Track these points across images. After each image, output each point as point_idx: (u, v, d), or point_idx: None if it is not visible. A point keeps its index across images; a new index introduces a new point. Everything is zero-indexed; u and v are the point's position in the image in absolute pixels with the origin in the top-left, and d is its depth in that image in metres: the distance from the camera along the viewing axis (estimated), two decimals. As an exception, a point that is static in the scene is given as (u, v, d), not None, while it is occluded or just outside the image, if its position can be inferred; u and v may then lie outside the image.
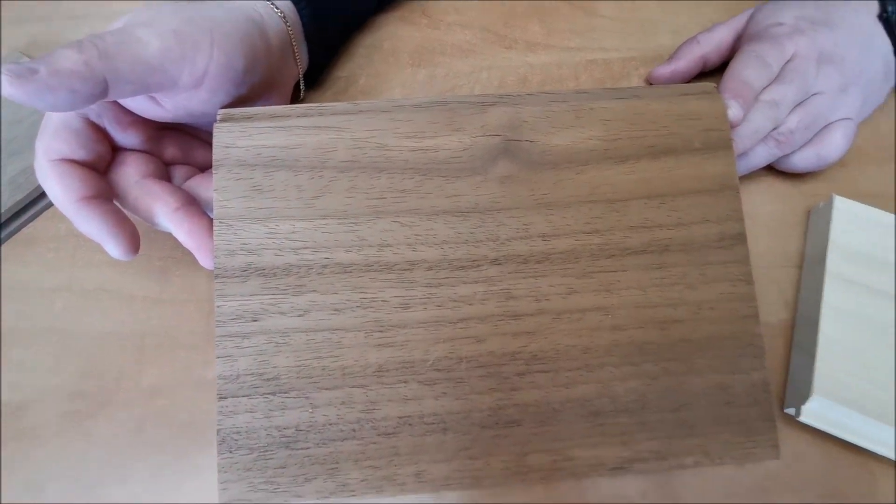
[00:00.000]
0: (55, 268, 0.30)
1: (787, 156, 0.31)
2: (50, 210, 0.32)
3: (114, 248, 0.24)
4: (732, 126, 0.27)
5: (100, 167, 0.25)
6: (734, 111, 0.27)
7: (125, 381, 0.28)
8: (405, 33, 0.39)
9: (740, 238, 0.25)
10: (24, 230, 0.32)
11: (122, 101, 0.25)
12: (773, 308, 0.29)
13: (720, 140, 0.26)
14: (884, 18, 0.32)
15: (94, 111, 0.25)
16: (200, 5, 0.26)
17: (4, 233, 0.31)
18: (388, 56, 0.38)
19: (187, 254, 0.26)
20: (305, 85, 0.34)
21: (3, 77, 0.20)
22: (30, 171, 0.32)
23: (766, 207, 0.32)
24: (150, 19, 0.24)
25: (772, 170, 0.33)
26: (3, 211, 0.31)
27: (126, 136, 0.26)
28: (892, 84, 0.33)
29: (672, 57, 0.35)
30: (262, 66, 0.28)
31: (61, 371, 0.28)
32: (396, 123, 0.26)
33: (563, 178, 0.26)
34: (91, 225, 0.23)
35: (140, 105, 0.25)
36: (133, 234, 0.24)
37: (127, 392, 0.28)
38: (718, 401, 0.24)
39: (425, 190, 0.25)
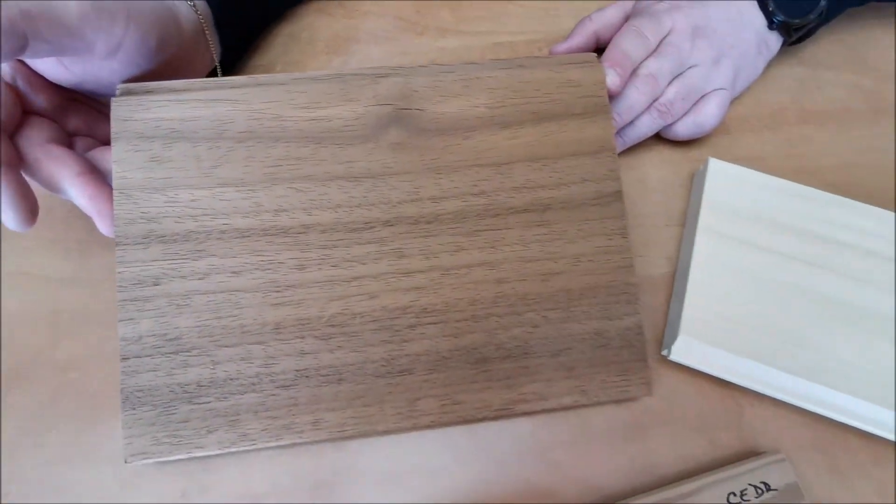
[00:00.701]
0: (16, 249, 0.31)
1: (670, 125, 0.34)
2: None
3: (13, 217, 0.24)
4: (611, 93, 0.29)
5: (9, 129, 0.25)
6: (612, 78, 0.29)
7: (40, 357, 0.29)
8: (322, 23, 0.41)
9: (617, 196, 0.28)
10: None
11: (33, 64, 0.26)
12: (656, 263, 0.31)
13: (598, 105, 0.28)
14: (758, -4, 0.35)
15: (9, 73, 0.25)
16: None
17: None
18: (304, 45, 0.39)
19: (103, 237, 0.27)
20: (223, 72, 0.35)
21: None
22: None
23: (654, 173, 0.35)
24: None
25: (660, 139, 0.35)
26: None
27: (36, 99, 0.26)
28: (766, 57, 0.36)
29: (569, 35, 0.37)
30: (173, 48, 0.29)
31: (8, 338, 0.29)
32: (292, 95, 0.27)
33: (451, 144, 0.27)
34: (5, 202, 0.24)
35: (50, 68, 0.26)
36: (33, 207, 0.25)
37: (42, 367, 0.29)
38: (595, 345, 0.26)
39: (320, 157, 0.27)
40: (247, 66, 0.38)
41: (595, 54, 0.29)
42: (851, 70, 0.40)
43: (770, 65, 0.39)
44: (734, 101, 0.38)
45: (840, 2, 0.37)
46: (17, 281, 0.30)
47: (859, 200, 0.32)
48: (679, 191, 0.34)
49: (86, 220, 0.27)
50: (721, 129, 0.37)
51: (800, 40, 0.39)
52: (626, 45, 0.31)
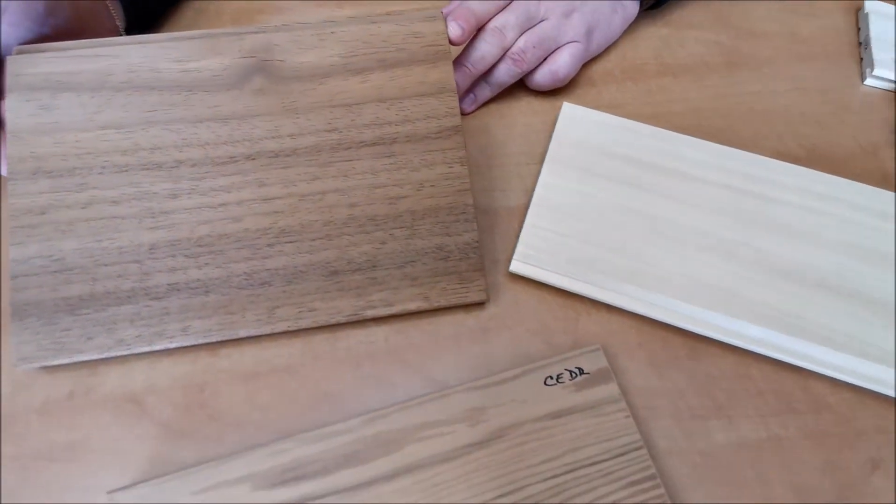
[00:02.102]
0: None
1: (530, 75, 0.37)
2: None
3: None
4: (453, 42, 0.33)
5: None
6: (453, 29, 0.33)
7: None
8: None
9: (456, 129, 0.31)
10: None
11: None
12: (517, 195, 0.35)
13: (440, 53, 0.32)
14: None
15: None
16: None
17: None
18: (212, 17, 0.43)
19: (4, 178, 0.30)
20: None
21: None
22: None
23: (522, 119, 0.38)
24: None
25: (530, 91, 0.39)
26: None
27: None
28: (624, 16, 0.40)
29: None
30: (67, 13, 0.32)
31: None
32: (167, 50, 0.31)
33: (307, 89, 0.31)
34: None
35: None
36: None
37: None
38: (437, 258, 0.30)
39: (191, 103, 0.30)
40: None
41: (440, 10, 0.33)
42: (713, 29, 0.44)
43: (639, 26, 0.43)
44: (602, 57, 0.42)
45: None
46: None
47: (700, 138, 0.35)
48: (542, 135, 0.37)
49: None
50: (587, 81, 0.41)
51: (656, 5, 0.43)
52: (471, 2, 0.34)
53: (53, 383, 0.29)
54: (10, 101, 0.29)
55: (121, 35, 0.37)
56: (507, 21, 0.35)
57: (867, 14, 0.44)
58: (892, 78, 0.41)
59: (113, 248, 0.28)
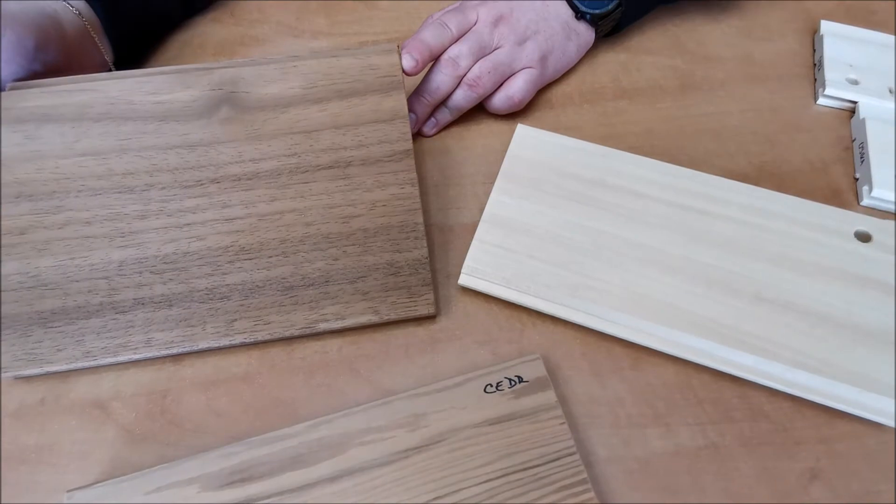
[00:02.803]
0: None
1: (488, 100, 0.39)
2: None
3: None
4: (407, 73, 0.35)
5: None
6: (406, 61, 0.35)
7: None
8: (213, 31, 0.47)
9: (407, 153, 0.33)
10: None
11: None
12: (470, 213, 0.37)
13: (393, 83, 0.34)
14: (566, -10, 0.41)
15: None
16: (8, 3, 0.34)
17: None
18: (196, 49, 0.46)
19: None
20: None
21: None
22: None
23: (481, 141, 0.40)
24: None
25: (490, 114, 0.41)
26: None
27: None
28: (578, 43, 0.42)
29: (420, 26, 0.43)
30: (56, 50, 0.35)
31: None
32: (142, 84, 0.33)
33: (270, 118, 0.33)
34: None
35: None
36: None
37: None
38: (387, 273, 0.32)
39: (162, 132, 0.33)
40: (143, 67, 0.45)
41: (395, 44, 0.36)
42: (669, 54, 0.46)
43: (598, 51, 0.45)
44: (561, 80, 0.44)
45: (640, 2, 0.43)
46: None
47: (651, 157, 0.37)
48: (499, 156, 0.39)
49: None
50: (547, 104, 0.43)
51: (614, 31, 0.45)
52: (425, 35, 0.37)
53: (28, 390, 0.31)
54: None
55: (111, 69, 0.40)
56: (460, 51, 0.37)
57: (822, 36, 0.45)
58: (844, 97, 0.42)
59: (85, 265, 0.31)
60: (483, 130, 0.41)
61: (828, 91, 0.42)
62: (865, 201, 0.38)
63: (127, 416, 0.30)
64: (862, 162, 0.39)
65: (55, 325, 0.30)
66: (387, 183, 0.33)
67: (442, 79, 0.37)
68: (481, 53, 0.38)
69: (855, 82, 0.42)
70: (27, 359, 0.29)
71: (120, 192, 0.32)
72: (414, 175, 0.33)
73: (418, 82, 0.39)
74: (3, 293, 0.30)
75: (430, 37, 0.37)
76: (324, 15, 0.48)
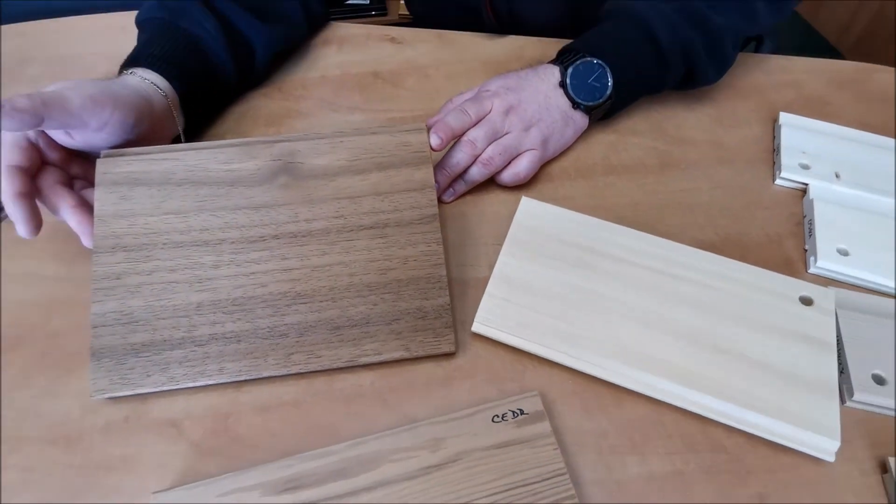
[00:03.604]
0: (28, 258, 0.44)
1: (498, 175, 0.47)
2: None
3: (24, 229, 0.37)
4: (433, 149, 0.43)
5: (32, 172, 0.38)
6: (434, 140, 0.43)
7: (36, 329, 0.41)
8: (264, 104, 0.55)
9: (434, 217, 0.41)
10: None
11: (49, 132, 0.39)
12: (482, 269, 0.44)
13: (423, 158, 0.42)
14: (562, 84, 0.49)
15: (32, 135, 0.39)
16: (110, 81, 0.42)
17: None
18: (249, 120, 0.54)
19: (85, 248, 0.39)
20: (185, 138, 0.49)
21: None
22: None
23: (490, 208, 0.48)
24: (75, 86, 0.39)
25: (499, 186, 0.49)
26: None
27: (50, 154, 0.40)
28: (575, 128, 0.50)
29: (437, 112, 0.51)
30: (147, 123, 0.43)
31: (13, 319, 0.41)
32: (215, 155, 0.41)
33: (321, 185, 0.41)
34: (18, 211, 0.37)
35: (59, 136, 0.39)
36: (39, 224, 0.38)
37: (37, 335, 0.40)
38: (416, 317, 0.38)
39: (232, 195, 0.40)
40: (206, 133, 0.53)
41: (424, 124, 0.43)
42: (651, 137, 0.54)
43: (591, 133, 0.53)
44: (559, 158, 0.52)
45: (628, 94, 0.51)
46: (25, 279, 0.43)
47: (635, 228, 0.44)
48: (506, 221, 0.46)
49: (75, 236, 0.40)
50: (547, 177, 0.51)
51: (605, 117, 0.53)
52: (449, 119, 0.44)
53: (114, 409, 0.37)
54: (98, 192, 0.39)
55: (180, 135, 0.48)
56: (477, 135, 0.45)
57: (780, 125, 0.54)
58: (797, 179, 0.50)
59: (169, 305, 0.37)
60: (493, 199, 0.49)
61: (783, 174, 0.50)
62: (812, 270, 0.45)
63: (196, 433, 0.36)
64: (810, 236, 0.46)
65: (145, 355, 0.36)
66: (417, 241, 0.40)
67: (461, 157, 0.45)
68: (494, 137, 0.46)
69: (806, 167, 0.50)
70: (122, 382, 0.36)
71: (198, 246, 0.39)
72: (439, 235, 0.40)
73: (440, 157, 0.47)
74: (101, 328, 0.37)
75: (454, 121, 0.44)
76: (358, 93, 0.57)
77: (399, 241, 0.40)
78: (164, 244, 0.39)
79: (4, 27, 0.63)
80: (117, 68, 0.47)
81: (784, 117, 0.54)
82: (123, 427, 0.37)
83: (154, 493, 0.33)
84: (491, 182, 0.48)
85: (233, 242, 0.39)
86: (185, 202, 0.40)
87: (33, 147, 0.39)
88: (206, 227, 0.39)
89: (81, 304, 0.42)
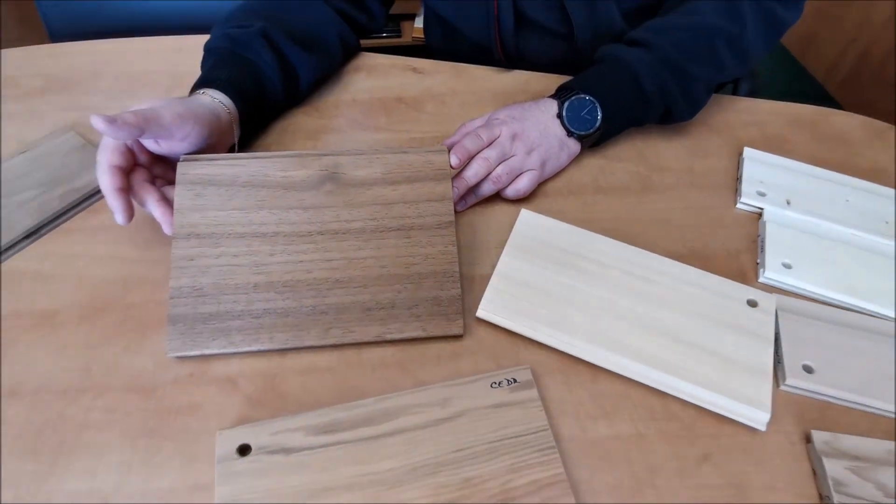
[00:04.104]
0: (82, 242, 0.52)
1: (503, 191, 0.56)
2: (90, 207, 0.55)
3: (121, 218, 0.46)
4: (452, 168, 0.52)
5: (127, 171, 0.47)
6: (452, 159, 0.52)
7: (116, 302, 0.49)
8: (303, 121, 0.65)
9: (451, 224, 0.49)
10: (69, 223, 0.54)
11: (142, 140, 0.48)
12: (486, 267, 0.52)
13: (443, 174, 0.51)
14: (559, 116, 0.58)
15: (129, 143, 0.48)
16: (190, 100, 0.51)
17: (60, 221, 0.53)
18: (290, 135, 0.63)
19: (162, 235, 0.48)
20: (238, 148, 0.58)
21: (99, 119, 0.42)
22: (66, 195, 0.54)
23: (495, 218, 0.56)
24: (166, 104, 0.48)
25: (503, 199, 0.58)
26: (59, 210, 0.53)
27: (140, 158, 0.49)
28: (569, 153, 0.59)
29: (453, 134, 0.60)
30: (216, 135, 0.52)
31: (79, 295, 0.49)
32: (273, 163, 0.50)
33: (360, 192, 0.50)
34: (117, 203, 0.46)
35: (149, 143, 0.49)
36: (132, 214, 0.47)
37: (117, 307, 0.49)
38: (433, 304, 0.47)
39: (286, 197, 0.49)
40: (256, 144, 0.62)
41: (445, 147, 0.52)
42: (635, 162, 0.63)
43: (583, 157, 0.63)
44: (554, 178, 0.61)
45: (614, 126, 0.60)
46: (106, 260, 0.51)
47: (616, 239, 0.53)
48: (508, 228, 0.55)
49: (154, 225, 0.49)
50: (543, 194, 0.60)
51: (596, 144, 0.62)
52: (466, 142, 0.54)
53: (179, 367, 0.45)
54: (178, 189, 0.48)
55: (234, 145, 0.57)
56: (490, 154, 0.54)
57: (744, 158, 0.63)
58: (754, 204, 0.59)
59: (232, 284, 0.46)
60: (498, 211, 0.58)
61: (743, 200, 0.59)
62: (761, 279, 0.54)
63: (248, 388, 0.45)
64: (761, 252, 0.55)
65: (211, 323, 0.45)
66: (436, 243, 0.49)
67: (478, 170, 0.54)
68: (502, 159, 0.55)
69: (763, 194, 0.59)
70: (192, 344, 0.44)
71: (256, 237, 0.48)
72: (454, 239, 0.49)
73: (456, 172, 0.56)
74: (177, 299, 0.45)
75: (470, 144, 0.54)
76: (384, 114, 0.66)
77: (421, 241, 0.49)
78: (230, 234, 0.47)
79: (78, 43, 0.72)
80: (174, 82, 0.56)
81: (748, 151, 0.64)
82: (189, 381, 0.45)
83: (220, 430, 0.41)
84: (496, 196, 0.57)
85: (285, 236, 0.48)
86: (247, 201, 0.48)
87: (129, 151, 0.48)
88: (264, 222, 0.48)
89: (151, 281, 0.50)
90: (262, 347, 0.45)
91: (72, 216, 0.54)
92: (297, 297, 0.46)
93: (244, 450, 0.40)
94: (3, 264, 0.51)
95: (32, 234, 0.53)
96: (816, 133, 0.68)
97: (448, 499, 0.39)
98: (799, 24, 0.67)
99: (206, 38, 0.61)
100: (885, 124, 0.70)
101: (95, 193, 0.56)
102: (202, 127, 0.49)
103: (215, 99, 0.53)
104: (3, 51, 0.71)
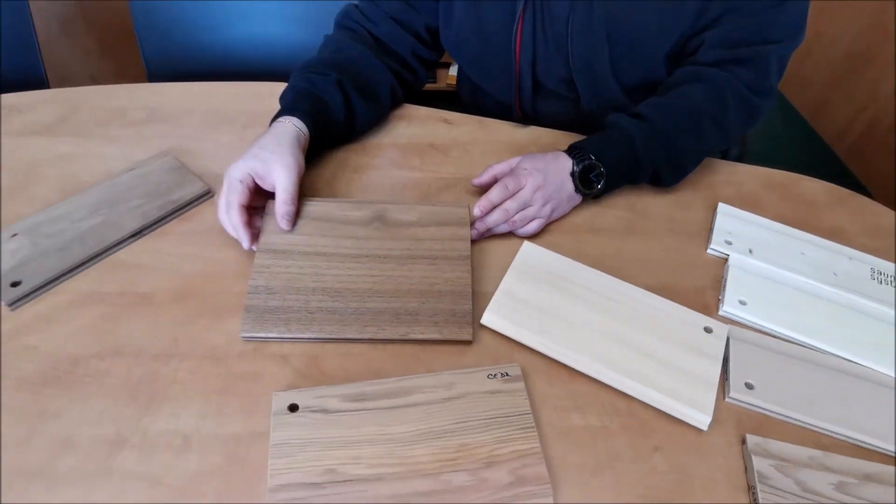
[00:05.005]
0: (174, 243, 0.66)
1: (514, 230, 0.69)
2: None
3: (247, 244, 0.61)
4: (474, 218, 0.66)
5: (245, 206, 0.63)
6: (476, 210, 0.66)
7: (198, 289, 0.63)
8: (352, 157, 0.79)
9: (468, 258, 0.63)
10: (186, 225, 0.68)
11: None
12: (491, 285, 0.64)
13: (464, 222, 0.65)
14: (572, 174, 0.71)
15: (251, 185, 0.63)
16: (291, 145, 0.65)
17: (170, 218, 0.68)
18: (343, 168, 0.77)
19: (235, 246, 0.63)
20: None
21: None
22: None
23: (502, 248, 0.69)
24: (284, 164, 0.63)
25: (512, 235, 0.70)
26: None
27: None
28: (573, 203, 0.72)
29: (480, 173, 0.73)
30: (300, 157, 0.66)
31: (170, 283, 0.63)
32: (337, 205, 0.65)
33: (399, 230, 0.64)
34: (244, 234, 0.61)
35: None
36: (255, 239, 0.62)
37: (197, 294, 0.62)
38: (450, 314, 0.59)
39: (343, 228, 0.64)
40: (312, 167, 0.76)
41: (467, 205, 0.66)
42: (623, 209, 0.75)
43: (581, 204, 0.75)
44: (557, 220, 0.73)
45: (611, 185, 0.73)
46: (191, 258, 0.65)
47: (602, 271, 0.65)
48: (512, 257, 0.67)
49: (229, 237, 0.63)
50: (546, 232, 0.72)
51: (595, 197, 0.75)
52: (493, 194, 0.67)
53: (246, 345, 0.58)
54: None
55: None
56: (511, 206, 0.67)
57: (717, 212, 0.74)
58: (722, 251, 0.70)
59: (295, 286, 0.60)
60: (504, 242, 0.70)
61: (712, 246, 0.70)
62: (720, 312, 0.65)
63: (297, 364, 0.57)
64: (723, 290, 0.66)
65: (276, 314, 0.58)
66: (455, 270, 0.62)
67: (495, 221, 0.67)
68: (522, 207, 0.68)
69: (730, 243, 0.71)
70: (260, 328, 0.57)
71: (318, 255, 0.62)
72: (470, 269, 0.63)
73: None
74: (253, 294, 0.59)
75: (495, 196, 0.67)
76: (417, 156, 0.80)
77: (444, 268, 0.63)
78: (298, 252, 0.62)
79: (174, 84, 0.89)
80: (249, 119, 0.74)
81: (721, 207, 0.75)
82: (252, 355, 0.58)
83: (275, 392, 0.53)
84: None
85: (340, 256, 0.62)
86: (314, 229, 0.64)
87: (250, 192, 0.63)
88: (325, 245, 0.63)
89: (225, 277, 0.64)
90: (312, 336, 0.58)
91: (167, 222, 0.69)
92: (343, 301, 0.59)
93: (293, 408, 0.52)
94: (113, 255, 0.65)
95: (136, 234, 0.67)
96: (786, 194, 0.80)
97: (447, 457, 0.50)
98: (812, 92, 0.80)
99: (275, 84, 0.79)
100: (848, 191, 0.81)
101: (186, 205, 0.70)
102: (300, 156, 0.66)
103: (296, 126, 0.69)
104: (113, 86, 0.87)
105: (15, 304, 0.59)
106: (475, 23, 0.81)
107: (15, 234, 0.64)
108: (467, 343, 0.60)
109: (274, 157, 0.63)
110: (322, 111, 0.73)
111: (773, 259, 0.69)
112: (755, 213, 0.75)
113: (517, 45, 0.80)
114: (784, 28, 0.73)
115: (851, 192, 0.81)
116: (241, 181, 0.62)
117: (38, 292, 0.60)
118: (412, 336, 0.58)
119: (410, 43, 0.83)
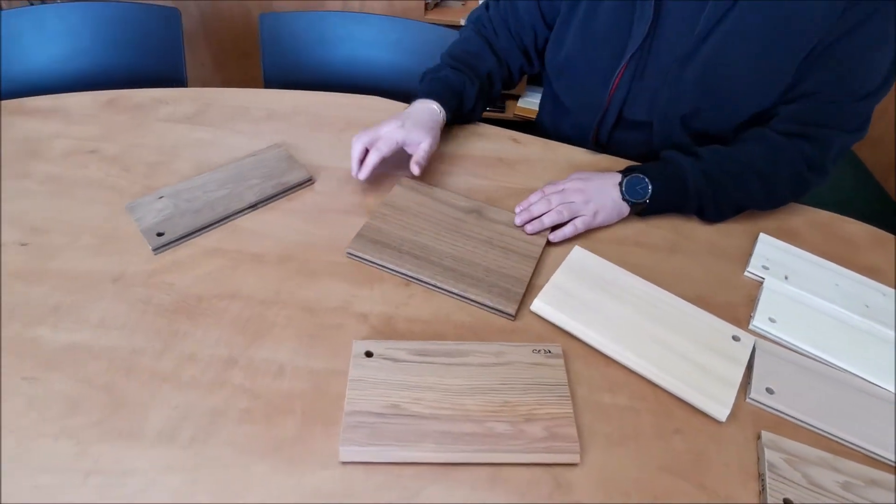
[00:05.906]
0: (281, 216, 0.80)
1: (561, 228, 0.78)
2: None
3: (364, 175, 0.79)
4: (516, 225, 0.78)
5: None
6: (517, 220, 0.77)
7: (298, 254, 0.75)
8: (436, 166, 0.91)
9: (535, 258, 0.73)
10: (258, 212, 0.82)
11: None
12: (543, 280, 0.73)
13: (542, 238, 0.75)
14: (619, 184, 0.80)
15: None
16: (432, 119, 0.83)
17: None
18: (431, 172, 0.90)
19: (330, 222, 0.75)
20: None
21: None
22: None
23: (557, 251, 0.78)
24: (424, 131, 0.81)
25: (569, 245, 0.79)
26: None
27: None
28: (621, 212, 0.80)
29: (540, 189, 0.83)
30: (439, 133, 0.81)
31: (276, 247, 0.76)
32: (449, 195, 0.80)
33: (489, 224, 0.77)
34: (367, 169, 0.78)
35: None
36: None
37: (297, 257, 0.75)
38: (504, 290, 0.70)
39: (450, 212, 0.78)
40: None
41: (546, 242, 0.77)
42: (669, 230, 0.83)
43: (629, 220, 0.83)
44: (604, 230, 0.82)
45: (658, 205, 0.81)
46: (296, 231, 0.79)
47: (643, 278, 0.73)
48: (563, 258, 0.77)
49: (323, 214, 0.76)
50: (595, 239, 0.81)
51: (641, 214, 0.83)
52: (535, 208, 0.78)
53: (334, 301, 0.70)
54: (387, 200, 0.76)
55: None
56: (553, 198, 0.78)
57: (759, 241, 0.81)
58: (759, 275, 0.77)
59: (396, 234, 0.72)
60: (561, 250, 0.79)
61: (750, 269, 0.77)
62: (750, 326, 0.71)
63: (375, 322, 0.68)
64: (755, 308, 0.73)
65: (377, 245, 0.74)
66: (521, 262, 0.73)
67: (539, 208, 0.78)
68: (564, 201, 0.78)
69: (766, 268, 0.77)
70: (361, 250, 0.73)
71: (422, 218, 0.76)
72: (534, 265, 0.73)
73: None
74: (369, 227, 0.71)
75: (536, 210, 0.78)
76: (488, 169, 0.91)
77: (513, 259, 0.74)
78: (409, 213, 0.78)
79: (288, 92, 1.05)
80: (346, 126, 0.91)
81: (762, 236, 0.82)
82: (338, 311, 0.69)
83: (355, 340, 0.64)
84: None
85: (436, 224, 0.77)
86: (425, 201, 0.79)
87: (396, 146, 0.80)
88: (430, 214, 0.78)
89: (319, 246, 0.76)
90: (395, 268, 0.72)
91: (276, 199, 0.83)
92: (427, 254, 0.73)
93: (369, 354, 0.63)
94: (234, 221, 0.79)
95: (253, 206, 0.81)
96: (827, 233, 0.85)
97: (492, 409, 0.59)
98: (884, 154, 0.87)
99: (367, 97, 0.98)
100: (889, 234, 0.85)
101: (292, 188, 0.84)
102: (437, 136, 0.83)
103: (434, 109, 0.85)
104: (240, 89, 1.04)
105: (158, 249, 0.74)
106: (583, 55, 0.90)
107: (161, 197, 0.79)
108: (510, 318, 0.69)
109: (424, 133, 0.81)
110: (459, 107, 0.91)
111: (807, 286, 0.75)
112: (792, 243, 0.81)
113: (615, 83, 0.89)
114: (856, 120, 0.78)
115: (892, 235, 0.85)
116: (397, 141, 0.80)
117: (176, 243, 0.75)
118: (467, 294, 0.69)
119: (520, 61, 0.99)
